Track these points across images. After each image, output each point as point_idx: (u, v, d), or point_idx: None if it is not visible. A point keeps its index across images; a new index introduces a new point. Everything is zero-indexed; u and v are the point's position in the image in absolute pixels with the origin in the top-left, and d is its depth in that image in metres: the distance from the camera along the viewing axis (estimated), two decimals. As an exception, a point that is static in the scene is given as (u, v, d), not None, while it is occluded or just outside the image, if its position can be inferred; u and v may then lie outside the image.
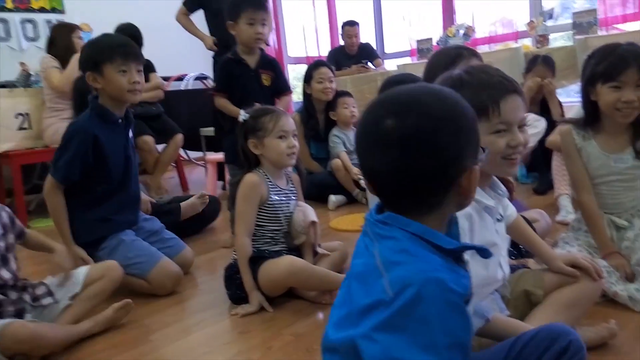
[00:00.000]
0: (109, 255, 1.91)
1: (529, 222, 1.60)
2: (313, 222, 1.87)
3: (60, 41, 3.46)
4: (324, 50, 5.69)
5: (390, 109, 0.76)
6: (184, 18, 3.77)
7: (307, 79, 3.39)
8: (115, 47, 1.94)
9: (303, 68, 3.92)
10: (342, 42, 5.12)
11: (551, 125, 2.51)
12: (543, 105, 3.04)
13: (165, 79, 4.40)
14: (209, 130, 4.06)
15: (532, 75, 3.02)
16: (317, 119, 3.44)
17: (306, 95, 3.43)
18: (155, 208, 2.50)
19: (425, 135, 0.73)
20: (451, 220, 0.82)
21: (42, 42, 4.44)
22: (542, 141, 2.58)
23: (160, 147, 3.75)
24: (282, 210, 1.84)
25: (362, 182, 2.97)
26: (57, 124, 3.34)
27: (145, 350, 1.54)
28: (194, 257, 2.20)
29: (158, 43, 4.15)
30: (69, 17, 4.65)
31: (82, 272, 1.70)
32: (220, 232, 2.78)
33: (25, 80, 3.69)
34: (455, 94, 0.80)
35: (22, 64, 3.78)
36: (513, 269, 1.29)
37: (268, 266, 1.71)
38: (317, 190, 3.05)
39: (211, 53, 3.69)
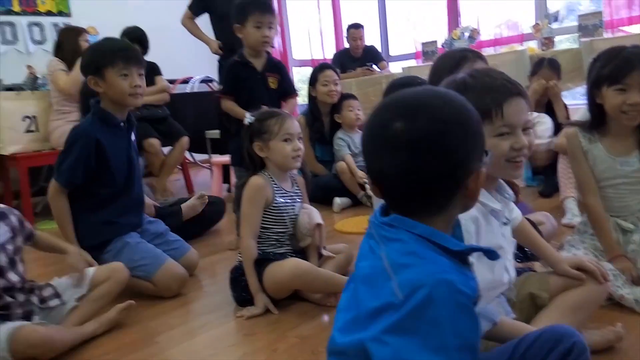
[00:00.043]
0: (114, 258, 1.91)
1: (535, 225, 1.60)
2: (318, 225, 1.87)
3: (68, 44, 3.49)
4: (329, 53, 5.71)
5: (399, 112, 0.77)
6: (189, 22, 3.78)
7: (312, 81, 3.40)
8: (117, 51, 1.96)
9: (308, 71, 3.94)
10: (347, 45, 5.13)
11: (557, 128, 2.51)
12: (548, 108, 3.03)
13: (171, 81, 4.41)
14: (214, 133, 4.07)
15: (537, 78, 3.01)
16: (322, 122, 3.45)
17: (311, 98, 3.44)
18: (159, 211, 2.51)
19: (434, 137, 0.74)
20: (455, 223, 0.82)
21: (49, 45, 4.48)
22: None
23: (166, 149, 3.76)
24: (287, 212, 1.84)
25: (368, 188, 2.97)
26: (64, 127, 3.36)
27: (150, 352, 1.54)
28: (199, 259, 2.20)
29: (164, 46, 4.17)
30: (75, 20, 4.68)
31: (88, 273, 1.71)
32: (225, 234, 2.78)
33: (32, 83, 3.71)
34: (461, 97, 0.80)
35: (29, 67, 3.81)
36: (519, 272, 1.28)
37: (273, 268, 1.71)
38: (322, 192, 3.06)
39: (216, 56, 3.71)
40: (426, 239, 0.75)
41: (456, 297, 0.69)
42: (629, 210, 1.64)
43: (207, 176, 4.70)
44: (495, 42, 4.62)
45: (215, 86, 4.88)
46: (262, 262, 1.74)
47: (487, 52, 4.19)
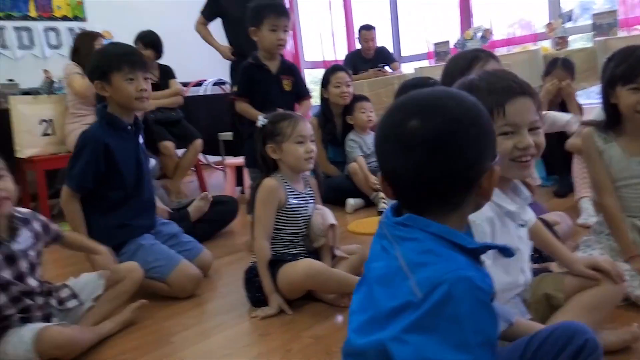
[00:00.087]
0: (129, 260, 1.92)
1: (550, 225, 1.59)
2: (332, 225, 1.88)
3: (84, 49, 3.53)
4: (341, 54, 5.71)
5: (413, 111, 0.77)
6: (203, 28, 3.81)
7: (325, 83, 3.41)
8: (122, 56, 1.98)
9: (320, 72, 3.94)
10: (358, 46, 5.13)
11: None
12: (562, 108, 3.01)
13: (185, 84, 4.45)
14: (227, 135, 4.10)
15: (550, 78, 2.99)
16: (334, 123, 3.45)
17: (323, 100, 3.45)
18: (171, 217, 2.53)
19: (449, 136, 0.75)
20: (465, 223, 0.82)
21: (65, 49, 4.55)
22: (562, 144, 2.56)
23: (180, 151, 3.80)
24: (300, 213, 1.85)
25: (381, 193, 2.97)
26: (79, 130, 3.36)
27: (166, 352, 1.56)
28: (213, 260, 2.22)
29: (177, 49, 4.21)
30: (90, 25, 4.75)
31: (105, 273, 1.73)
32: (237, 236, 2.80)
33: (49, 87, 3.77)
34: (472, 97, 0.81)
35: (45, 71, 3.87)
36: (535, 272, 1.28)
37: (287, 269, 1.72)
38: (334, 194, 3.06)
39: (229, 58, 3.74)
40: (441, 237, 0.75)
41: (475, 293, 0.69)
42: (646, 210, 1.63)
43: (220, 178, 4.73)
44: (508, 42, 4.59)
45: (228, 89, 4.92)
46: (276, 263, 1.75)
47: (500, 52, 4.16)
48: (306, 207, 1.88)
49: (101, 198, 1.99)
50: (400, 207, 0.82)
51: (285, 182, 1.84)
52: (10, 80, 3.92)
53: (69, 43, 4.50)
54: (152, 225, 2.12)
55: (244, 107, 2.60)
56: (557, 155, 2.80)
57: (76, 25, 4.83)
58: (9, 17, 4.51)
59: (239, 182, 3.85)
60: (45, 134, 3.53)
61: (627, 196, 1.64)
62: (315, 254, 1.88)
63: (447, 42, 4.42)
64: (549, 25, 3.85)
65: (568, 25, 3.79)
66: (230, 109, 3.06)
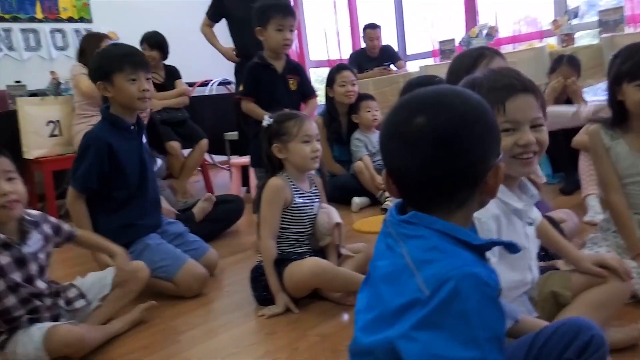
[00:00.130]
0: (135, 260, 1.93)
1: (556, 223, 1.59)
2: (337, 224, 1.88)
3: (90, 50, 3.54)
4: (346, 53, 5.71)
5: (419, 108, 0.78)
6: (208, 30, 3.82)
7: (330, 82, 3.41)
8: (124, 56, 1.99)
9: (325, 71, 3.94)
10: (363, 45, 5.12)
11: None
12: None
13: (190, 84, 4.47)
14: (233, 135, 4.11)
15: (556, 75, 2.97)
16: (339, 122, 3.46)
17: (329, 99, 3.45)
18: (177, 218, 2.54)
19: (455, 133, 0.75)
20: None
21: (71, 51, 4.58)
22: (568, 141, 2.55)
23: (185, 151, 3.81)
24: (306, 212, 1.85)
25: (387, 194, 2.97)
26: (86, 130, 3.42)
27: (173, 351, 1.57)
28: (219, 259, 2.23)
29: (183, 50, 4.23)
30: (96, 26, 4.77)
31: (110, 273, 1.75)
32: (243, 235, 2.81)
33: (56, 89, 3.79)
34: (477, 95, 0.81)
35: (52, 72, 3.89)
36: (542, 270, 1.28)
37: (293, 268, 1.72)
38: (340, 192, 3.06)
39: (234, 59, 3.76)
40: (446, 234, 0.75)
41: (482, 289, 0.69)
42: (653, 208, 1.62)
43: (226, 178, 4.74)
44: (514, 39, 4.56)
45: (233, 88, 4.93)
46: (282, 261, 1.76)
47: (505, 49, 4.14)
48: (312, 206, 1.88)
49: (106, 198, 2.00)
50: (404, 205, 0.82)
51: (291, 182, 1.84)
52: (18, 81, 3.94)
53: (75, 44, 4.53)
54: (158, 225, 2.13)
55: (250, 106, 2.60)
56: (563, 153, 2.79)
57: (82, 26, 4.86)
58: (15, 19, 4.54)
59: (245, 181, 3.86)
60: (53, 135, 3.55)
61: (634, 193, 1.63)
62: (321, 252, 1.88)
63: (452, 40, 4.40)
64: (554, 22, 3.83)
65: (574, 22, 3.77)
66: (236, 108, 3.07)
